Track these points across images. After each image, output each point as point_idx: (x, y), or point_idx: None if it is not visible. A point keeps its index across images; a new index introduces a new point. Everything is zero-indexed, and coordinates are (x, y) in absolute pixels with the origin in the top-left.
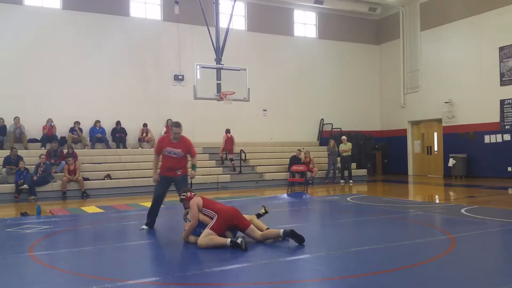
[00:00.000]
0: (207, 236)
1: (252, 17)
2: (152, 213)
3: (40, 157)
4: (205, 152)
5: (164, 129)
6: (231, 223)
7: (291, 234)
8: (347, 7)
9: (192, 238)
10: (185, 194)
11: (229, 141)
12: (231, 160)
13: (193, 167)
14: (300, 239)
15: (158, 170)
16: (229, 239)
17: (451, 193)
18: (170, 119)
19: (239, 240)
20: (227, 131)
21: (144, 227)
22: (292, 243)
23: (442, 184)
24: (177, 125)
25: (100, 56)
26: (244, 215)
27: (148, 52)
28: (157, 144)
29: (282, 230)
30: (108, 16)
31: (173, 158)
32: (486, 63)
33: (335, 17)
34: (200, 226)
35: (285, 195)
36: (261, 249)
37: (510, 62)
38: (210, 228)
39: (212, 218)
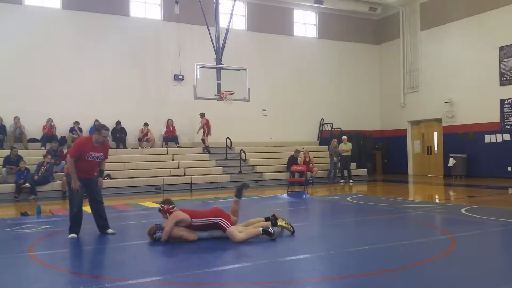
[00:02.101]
0: (242, 231)
1: (252, 17)
2: (80, 220)
3: (44, 156)
4: (205, 152)
5: (165, 129)
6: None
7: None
8: (347, 7)
9: (187, 235)
10: (162, 205)
11: (208, 124)
12: (203, 141)
13: (101, 173)
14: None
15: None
16: (260, 228)
17: (451, 193)
18: (171, 119)
19: (270, 229)
20: (203, 114)
21: (74, 235)
22: (292, 242)
23: (442, 184)
24: (107, 128)
25: (100, 56)
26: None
27: (148, 52)
28: (76, 148)
29: (261, 228)
30: (108, 16)
31: (94, 161)
32: (486, 63)
33: (335, 17)
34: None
35: (285, 195)
36: (261, 249)
37: (510, 62)
38: (232, 226)
39: (218, 223)
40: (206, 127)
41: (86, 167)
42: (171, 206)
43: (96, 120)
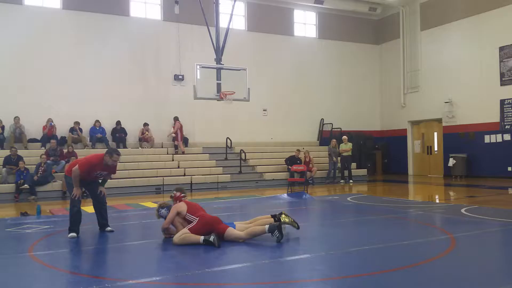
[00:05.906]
0: (182, 235)
1: (252, 17)
2: (79, 219)
3: (41, 156)
4: (205, 152)
5: (172, 129)
6: (209, 228)
7: (277, 228)
8: (347, 7)
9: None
10: (175, 192)
11: (181, 129)
12: (177, 146)
13: (104, 182)
14: (281, 235)
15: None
16: (202, 237)
17: (451, 193)
18: (177, 117)
19: (211, 238)
20: (177, 118)
21: (73, 234)
22: (292, 243)
23: (442, 184)
24: (119, 153)
25: (100, 56)
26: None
27: (148, 52)
28: (88, 166)
29: (267, 226)
30: (108, 16)
31: (98, 176)
32: (486, 63)
33: (335, 17)
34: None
35: (285, 195)
36: (261, 249)
37: (510, 62)
38: (188, 229)
39: (192, 222)
40: (180, 132)
41: (89, 178)
42: (182, 194)
43: (97, 121)
